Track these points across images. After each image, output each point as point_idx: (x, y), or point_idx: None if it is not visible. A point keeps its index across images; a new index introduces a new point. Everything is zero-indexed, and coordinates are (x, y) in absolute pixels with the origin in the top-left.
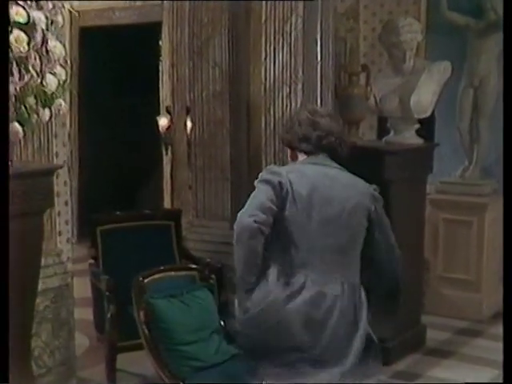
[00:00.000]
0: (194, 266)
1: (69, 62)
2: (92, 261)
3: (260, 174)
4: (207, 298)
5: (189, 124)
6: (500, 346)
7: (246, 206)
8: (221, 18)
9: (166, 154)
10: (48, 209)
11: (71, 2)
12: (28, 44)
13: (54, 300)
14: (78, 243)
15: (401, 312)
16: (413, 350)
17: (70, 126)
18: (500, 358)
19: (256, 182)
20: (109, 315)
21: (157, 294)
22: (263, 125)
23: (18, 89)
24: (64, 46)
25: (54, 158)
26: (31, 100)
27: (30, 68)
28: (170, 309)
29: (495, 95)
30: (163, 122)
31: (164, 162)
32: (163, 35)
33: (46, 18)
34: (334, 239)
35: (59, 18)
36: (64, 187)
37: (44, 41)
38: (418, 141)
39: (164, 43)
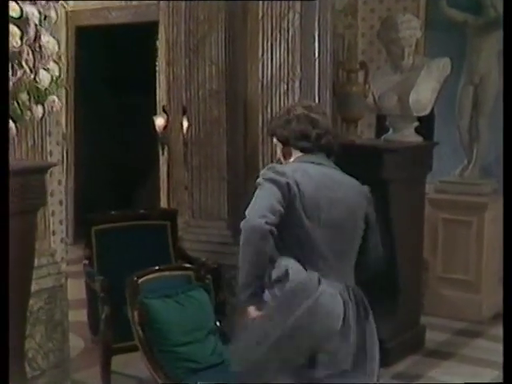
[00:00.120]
0: (189, 266)
1: (64, 61)
2: (86, 261)
3: (262, 173)
4: (203, 299)
5: (185, 123)
6: (500, 346)
7: (254, 206)
8: (217, 16)
9: (163, 153)
10: (41, 207)
11: (68, 1)
12: (21, 39)
13: (48, 301)
14: (73, 244)
15: (400, 313)
16: (412, 351)
17: (66, 125)
18: (500, 359)
19: (259, 181)
20: (103, 316)
21: (151, 294)
22: (260, 124)
23: (10, 84)
24: (58, 42)
25: (48, 156)
26: (24, 96)
27: (23, 63)
28: (165, 309)
29: (495, 93)
30: (160, 121)
31: (160, 162)
32: (159, 35)
33: (39, 12)
34: (340, 242)
35: (52, 13)
36: (58, 186)
37: (37, 36)
38: (418, 139)
39: (160, 42)
